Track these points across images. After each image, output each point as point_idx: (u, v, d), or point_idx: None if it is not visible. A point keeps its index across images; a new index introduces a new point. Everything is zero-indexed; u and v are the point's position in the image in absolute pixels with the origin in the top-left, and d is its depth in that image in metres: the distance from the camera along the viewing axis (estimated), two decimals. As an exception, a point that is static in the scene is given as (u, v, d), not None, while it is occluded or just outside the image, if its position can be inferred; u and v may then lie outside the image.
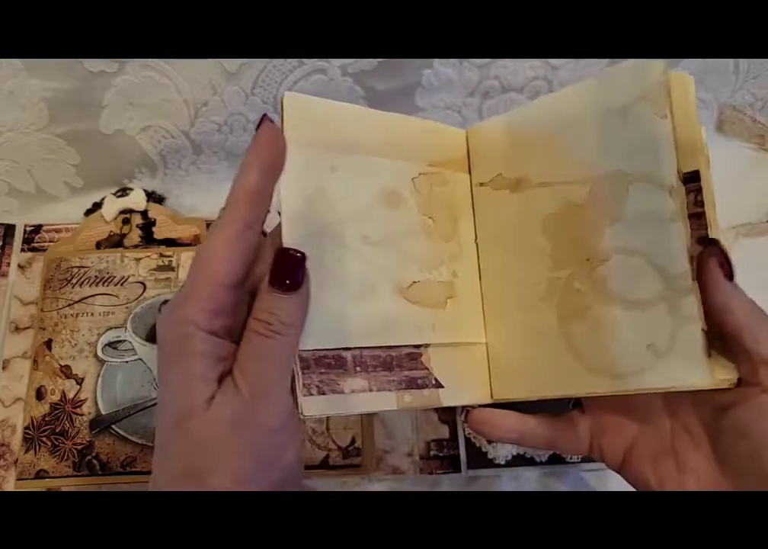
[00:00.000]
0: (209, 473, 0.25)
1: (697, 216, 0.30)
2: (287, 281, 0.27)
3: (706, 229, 0.30)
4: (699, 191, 0.30)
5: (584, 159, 0.32)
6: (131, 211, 0.54)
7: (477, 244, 0.36)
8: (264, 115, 0.29)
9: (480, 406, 0.34)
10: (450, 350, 0.33)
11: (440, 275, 0.34)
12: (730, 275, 0.29)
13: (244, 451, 0.26)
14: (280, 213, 0.29)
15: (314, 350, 0.29)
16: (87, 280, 0.50)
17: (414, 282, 0.33)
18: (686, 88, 0.31)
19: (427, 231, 0.34)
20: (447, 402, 0.32)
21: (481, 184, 0.36)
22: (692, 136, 0.30)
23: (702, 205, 0.30)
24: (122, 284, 0.50)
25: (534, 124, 0.34)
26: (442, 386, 0.32)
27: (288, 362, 0.28)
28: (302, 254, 0.27)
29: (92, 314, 0.49)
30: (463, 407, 0.35)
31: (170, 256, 0.52)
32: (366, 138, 0.32)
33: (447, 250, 0.34)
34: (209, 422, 0.26)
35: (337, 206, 0.31)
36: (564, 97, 0.33)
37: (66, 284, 0.50)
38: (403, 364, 0.31)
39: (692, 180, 0.30)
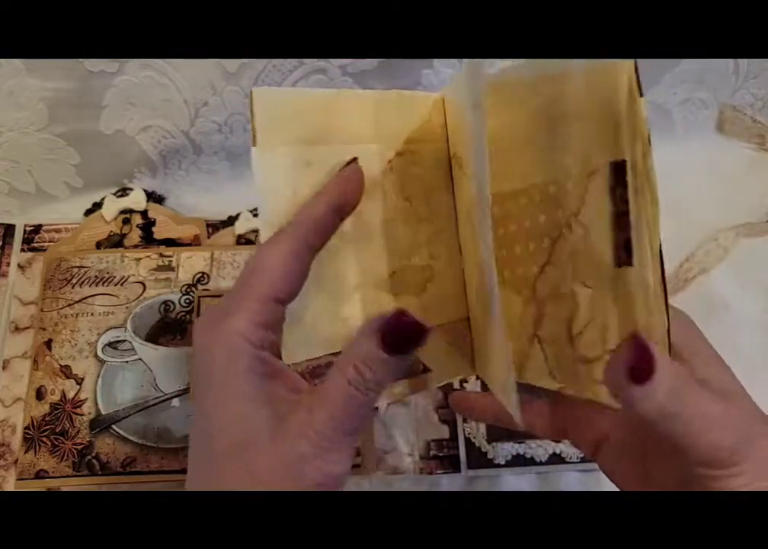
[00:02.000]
0: None
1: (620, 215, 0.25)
2: (402, 348, 0.25)
3: (629, 231, 0.24)
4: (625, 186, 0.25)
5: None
6: (131, 211, 0.54)
7: (456, 217, 0.34)
8: (355, 159, 0.29)
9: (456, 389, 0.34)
10: (434, 333, 0.32)
11: (419, 260, 0.33)
12: (641, 376, 0.23)
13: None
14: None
15: (306, 361, 0.29)
16: (87, 280, 0.50)
17: (393, 272, 0.32)
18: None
19: (404, 216, 0.32)
20: (433, 384, 0.32)
21: (455, 154, 0.33)
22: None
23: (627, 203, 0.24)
24: (122, 284, 0.50)
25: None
26: (429, 370, 0.32)
27: (364, 421, 0.26)
28: (428, 328, 0.25)
29: (92, 314, 0.49)
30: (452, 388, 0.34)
31: (170, 256, 0.52)
32: (338, 125, 0.31)
33: (424, 231, 0.33)
34: (274, 459, 0.25)
35: None
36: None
37: (66, 284, 0.50)
38: None
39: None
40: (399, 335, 0.25)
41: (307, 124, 0.30)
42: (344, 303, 0.30)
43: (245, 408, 0.25)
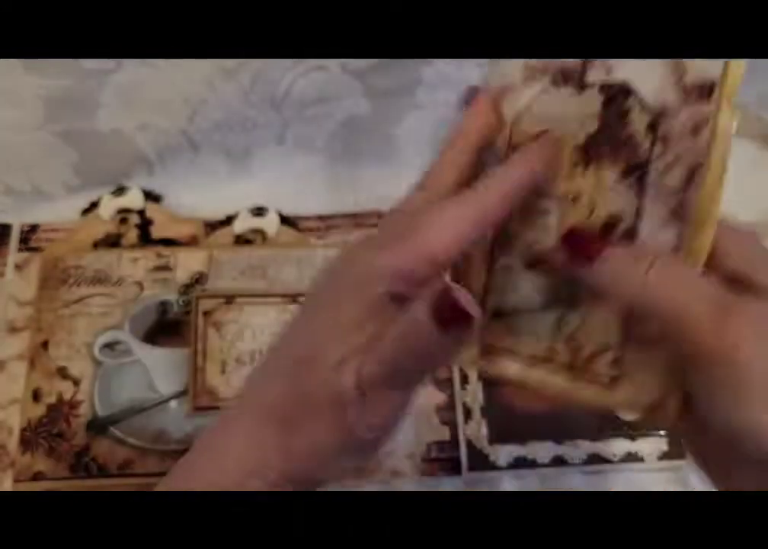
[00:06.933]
0: None
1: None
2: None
3: None
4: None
5: None
6: (128, 211, 0.54)
7: None
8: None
9: None
10: None
11: None
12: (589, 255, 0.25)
13: None
14: None
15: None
16: (84, 281, 0.50)
17: None
18: None
19: None
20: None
21: None
22: None
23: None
24: (119, 285, 0.50)
25: None
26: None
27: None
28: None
29: (89, 314, 0.49)
30: None
31: (167, 256, 0.51)
32: None
33: None
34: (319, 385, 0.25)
35: None
36: None
37: (63, 284, 0.50)
38: None
39: None
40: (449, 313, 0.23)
41: None
42: None
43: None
